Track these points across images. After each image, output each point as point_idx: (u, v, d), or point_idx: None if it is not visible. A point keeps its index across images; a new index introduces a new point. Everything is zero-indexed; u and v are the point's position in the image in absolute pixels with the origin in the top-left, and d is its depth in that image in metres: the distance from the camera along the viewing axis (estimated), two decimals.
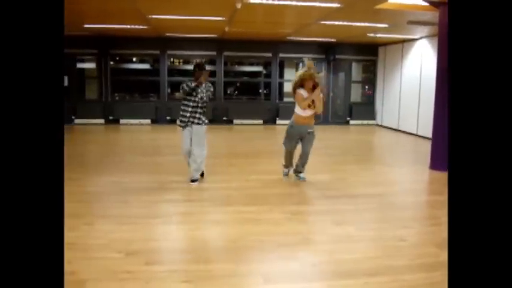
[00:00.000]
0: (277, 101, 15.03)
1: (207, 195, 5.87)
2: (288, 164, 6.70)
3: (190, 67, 14.78)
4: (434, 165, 7.57)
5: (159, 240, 4.24)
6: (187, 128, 6.19)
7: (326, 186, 6.48)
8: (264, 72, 15.96)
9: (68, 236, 4.07)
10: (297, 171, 6.64)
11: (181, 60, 16.07)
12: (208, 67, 15.08)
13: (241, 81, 16.77)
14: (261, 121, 14.73)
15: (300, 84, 6.28)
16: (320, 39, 13.63)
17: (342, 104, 15.57)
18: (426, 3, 7.27)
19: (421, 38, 12.29)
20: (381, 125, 14.95)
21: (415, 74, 12.64)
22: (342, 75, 15.60)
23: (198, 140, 6.18)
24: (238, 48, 14.48)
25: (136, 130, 13.10)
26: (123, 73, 15.10)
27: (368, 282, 3.28)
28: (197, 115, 6.15)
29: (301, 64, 6.56)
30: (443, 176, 6.98)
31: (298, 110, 6.33)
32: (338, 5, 7.71)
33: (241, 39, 13.81)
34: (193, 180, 6.24)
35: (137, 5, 8.20)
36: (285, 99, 15.20)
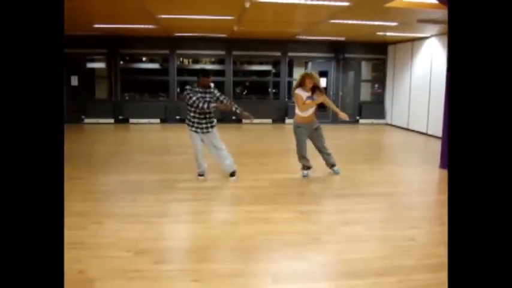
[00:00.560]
0: (286, 100, 14.99)
1: (215, 194, 5.87)
2: (306, 164, 6.67)
3: (199, 67, 14.82)
4: (444, 164, 7.50)
5: (167, 239, 4.25)
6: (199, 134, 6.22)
7: (335, 186, 6.46)
8: (273, 71, 15.93)
9: (77, 235, 4.12)
10: (330, 166, 6.88)
11: (190, 60, 16.10)
12: (217, 66, 15.25)
13: (250, 81, 16.75)
14: (270, 120, 14.72)
15: (300, 83, 6.35)
16: (329, 38, 13.57)
17: (351, 103, 15.50)
18: (436, 1, 7.21)
19: (431, 36, 12.20)
20: (390, 124, 14.86)
21: (425, 73, 12.56)
22: (351, 74, 15.53)
23: (216, 143, 6.27)
24: (247, 48, 14.47)
25: (146, 129, 13.15)
26: (132, 73, 15.16)
27: (376, 282, 3.27)
28: (208, 122, 6.19)
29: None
30: None
31: (298, 111, 6.44)
32: (347, 4, 7.67)
33: (250, 38, 13.80)
34: (232, 174, 6.44)
35: (146, 5, 8.22)
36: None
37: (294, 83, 6.62)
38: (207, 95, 6.07)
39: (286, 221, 4.71)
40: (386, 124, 15.06)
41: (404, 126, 13.82)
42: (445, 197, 6.08)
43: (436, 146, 8.68)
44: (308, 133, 6.49)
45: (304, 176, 6.65)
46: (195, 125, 6.11)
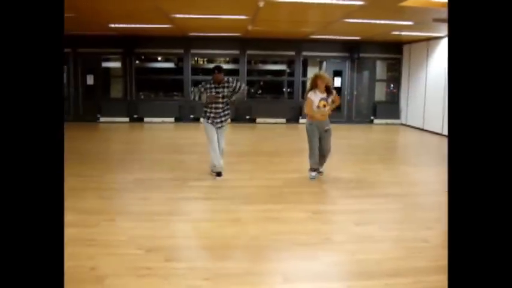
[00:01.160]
0: (300, 99, 14.92)
1: (228, 193, 5.87)
2: (314, 166, 6.61)
3: (213, 66, 14.83)
4: None
5: (179, 237, 4.26)
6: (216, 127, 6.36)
7: (348, 186, 6.42)
8: (288, 70, 15.88)
9: (89, 232, 4.15)
10: (320, 166, 6.73)
11: (205, 59, 16.15)
12: (231, 66, 15.27)
13: (265, 80, 16.74)
14: (284, 120, 14.68)
15: (312, 85, 6.38)
16: (344, 37, 13.49)
17: (366, 102, 15.40)
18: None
19: (446, 36, 12.05)
20: (405, 124, 14.71)
21: (440, 73, 12.40)
22: (366, 74, 15.42)
23: (224, 136, 6.50)
24: (262, 47, 14.45)
25: (160, 128, 13.22)
26: (147, 72, 15.26)
27: (388, 283, 3.23)
28: (223, 116, 6.38)
29: None
30: None
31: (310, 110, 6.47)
32: (362, 3, 7.62)
33: (265, 37, 13.78)
34: (219, 174, 6.45)
35: (161, 4, 8.27)
36: None
37: (307, 86, 6.62)
38: (225, 89, 6.27)
39: (298, 221, 4.68)
40: (401, 124, 14.91)
41: (420, 126, 13.67)
42: None
43: None
44: (319, 132, 6.44)
45: (311, 178, 6.53)
46: (212, 118, 6.32)
